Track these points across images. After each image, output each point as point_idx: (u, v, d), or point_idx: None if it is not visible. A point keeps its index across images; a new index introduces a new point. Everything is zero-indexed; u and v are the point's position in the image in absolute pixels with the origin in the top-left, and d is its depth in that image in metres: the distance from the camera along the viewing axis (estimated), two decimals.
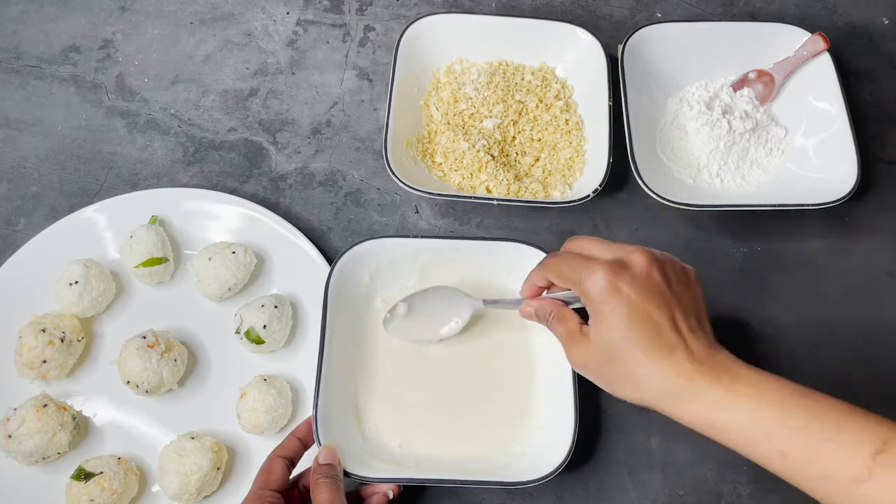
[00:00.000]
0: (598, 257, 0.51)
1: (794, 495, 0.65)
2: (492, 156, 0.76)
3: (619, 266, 0.49)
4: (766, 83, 0.79)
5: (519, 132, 0.79)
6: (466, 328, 0.66)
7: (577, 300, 0.55)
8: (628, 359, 0.48)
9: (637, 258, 0.50)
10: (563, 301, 0.56)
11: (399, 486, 0.60)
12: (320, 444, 0.58)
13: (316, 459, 0.57)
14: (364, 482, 0.59)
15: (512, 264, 0.67)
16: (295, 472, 0.59)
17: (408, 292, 0.67)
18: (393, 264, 0.68)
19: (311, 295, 0.69)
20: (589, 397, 0.67)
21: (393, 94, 0.75)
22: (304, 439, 0.60)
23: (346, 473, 0.57)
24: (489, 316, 0.68)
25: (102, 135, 0.80)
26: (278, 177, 0.78)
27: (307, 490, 0.58)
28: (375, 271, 0.68)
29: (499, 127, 0.78)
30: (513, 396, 0.65)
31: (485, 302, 0.64)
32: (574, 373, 0.62)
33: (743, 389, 0.46)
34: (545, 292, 0.58)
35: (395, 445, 0.63)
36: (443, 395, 0.65)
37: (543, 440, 0.62)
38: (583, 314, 0.53)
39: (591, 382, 0.62)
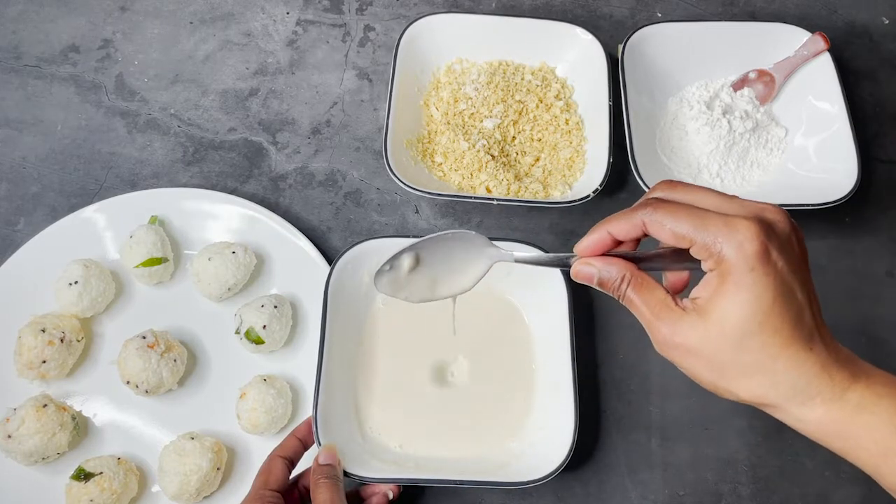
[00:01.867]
0: (726, 213, 0.39)
1: (794, 496, 0.66)
2: (492, 156, 0.76)
3: (767, 225, 0.39)
4: (766, 83, 0.79)
5: (519, 132, 0.79)
6: (468, 329, 0.66)
7: (644, 260, 0.43)
8: (766, 346, 0.38)
9: (780, 219, 0.39)
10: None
11: (399, 487, 0.60)
12: (320, 445, 0.58)
13: (316, 460, 0.57)
14: (364, 482, 0.59)
15: (511, 265, 0.67)
16: (295, 472, 0.59)
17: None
18: None
19: (311, 295, 0.69)
20: (589, 397, 0.67)
21: (393, 94, 0.75)
22: (305, 439, 0.60)
23: (345, 474, 0.57)
24: (489, 316, 0.68)
25: (102, 135, 0.80)
26: (278, 177, 0.78)
27: (307, 490, 0.58)
28: (375, 271, 0.67)
29: (499, 127, 0.78)
30: (513, 396, 0.65)
31: (516, 259, 0.47)
32: (574, 371, 0.61)
33: (882, 389, 0.39)
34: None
35: (395, 446, 0.63)
36: (443, 395, 0.65)
37: (544, 440, 0.62)
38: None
39: (591, 383, 0.62)
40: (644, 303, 0.41)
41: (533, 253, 0.48)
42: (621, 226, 0.42)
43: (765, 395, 0.39)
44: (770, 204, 0.40)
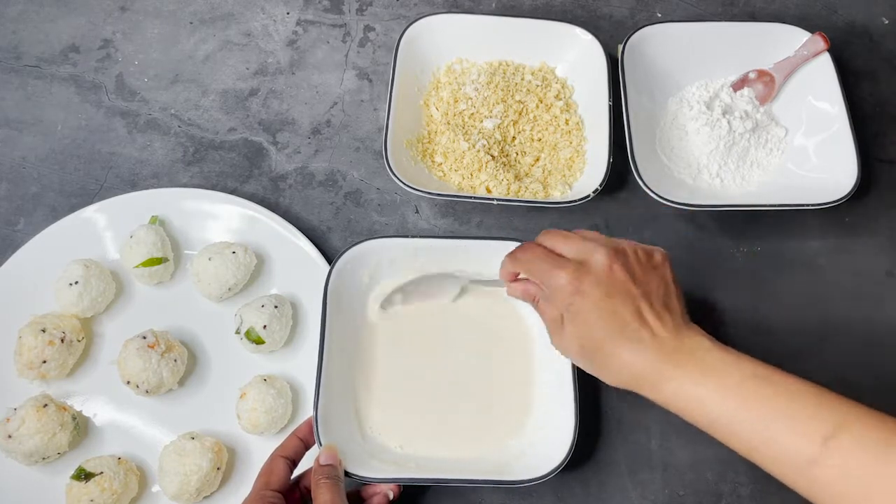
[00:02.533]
0: (564, 255, 0.54)
1: (795, 496, 0.66)
2: (492, 156, 0.76)
3: (581, 267, 0.53)
4: (766, 83, 0.79)
5: (519, 132, 0.79)
6: (467, 329, 0.66)
7: None
8: (602, 350, 0.52)
9: (598, 258, 0.53)
10: None
11: (399, 487, 0.60)
12: (321, 445, 0.58)
13: (317, 460, 0.57)
14: (364, 482, 0.59)
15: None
16: (296, 473, 0.59)
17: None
18: (392, 264, 0.68)
19: (311, 295, 0.69)
20: (589, 397, 0.67)
21: (393, 94, 0.75)
22: (306, 439, 0.60)
23: (346, 474, 0.57)
24: (489, 316, 0.68)
25: (102, 135, 0.80)
26: (278, 177, 0.78)
27: (308, 491, 0.58)
28: (375, 271, 0.68)
29: (499, 127, 0.78)
30: (513, 395, 0.65)
31: (471, 281, 0.67)
32: (574, 371, 0.62)
33: (707, 374, 0.49)
34: None
35: (396, 445, 0.63)
36: (443, 395, 0.65)
37: (544, 439, 0.62)
38: None
39: (591, 382, 0.62)
40: (546, 317, 0.56)
41: (485, 278, 0.67)
42: (510, 267, 0.59)
43: (619, 382, 0.52)
44: (599, 242, 0.54)
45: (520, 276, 0.60)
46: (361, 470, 0.58)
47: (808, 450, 0.44)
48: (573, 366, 0.62)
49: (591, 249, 0.53)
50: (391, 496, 0.59)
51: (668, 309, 0.52)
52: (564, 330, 0.54)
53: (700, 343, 0.51)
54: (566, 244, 0.55)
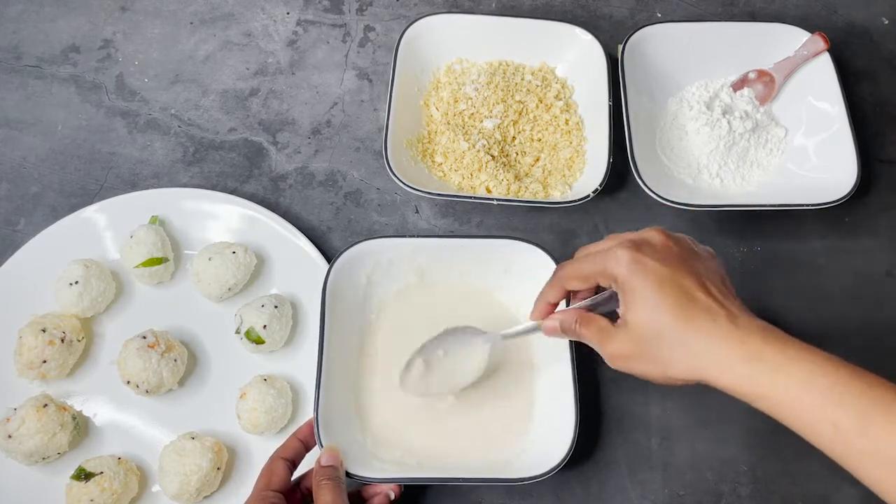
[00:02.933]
0: (610, 247, 0.51)
1: (794, 496, 0.66)
2: (492, 156, 0.76)
3: (637, 241, 0.49)
4: (766, 83, 0.79)
5: (519, 132, 0.79)
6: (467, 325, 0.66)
7: (596, 306, 0.55)
8: (672, 330, 0.46)
9: (653, 234, 0.50)
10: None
11: (400, 487, 0.60)
12: (322, 446, 0.58)
13: (318, 461, 0.57)
14: (366, 483, 0.59)
15: (509, 261, 0.67)
16: (296, 474, 0.59)
17: (406, 294, 0.67)
18: (391, 264, 0.68)
19: (311, 295, 0.69)
20: (589, 397, 0.67)
21: (393, 94, 0.75)
22: (306, 441, 0.60)
23: (347, 474, 0.57)
24: (490, 316, 0.68)
25: (102, 135, 0.80)
26: (278, 177, 0.78)
27: (309, 492, 0.58)
28: (373, 272, 0.68)
29: (499, 127, 0.78)
30: (514, 395, 0.65)
31: (503, 336, 0.60)
32: (574, 370, 0.61)
33: (796, 353, 0.44)
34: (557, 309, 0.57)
35: (397, 445, 0.63)
36: (444, 395, 0.65)
37: (545, 437, 0.62)
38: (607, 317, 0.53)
39: (591, 382, 0.62)
40: (591, 333, 0.52)
41: (517, 327, 0.60)
42: (553, 292, 0.55)
43: (692, 368, 0.46)
44: (651, 228, 0.51)
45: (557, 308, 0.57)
46: (363, 470, 0.58)
47: None
48: (574, 363, 0.62)
49: (639, 233, 0.51)
50: (392, 496, 0.59)
51: (730, 291, 0.49)
52: (623, 329, 0.49)
53: (767, 325, 0.47)
54: (609, 239, 0.52)
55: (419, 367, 0.62)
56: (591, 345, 0.52)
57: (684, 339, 0.46)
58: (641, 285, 0.47)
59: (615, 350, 0.50)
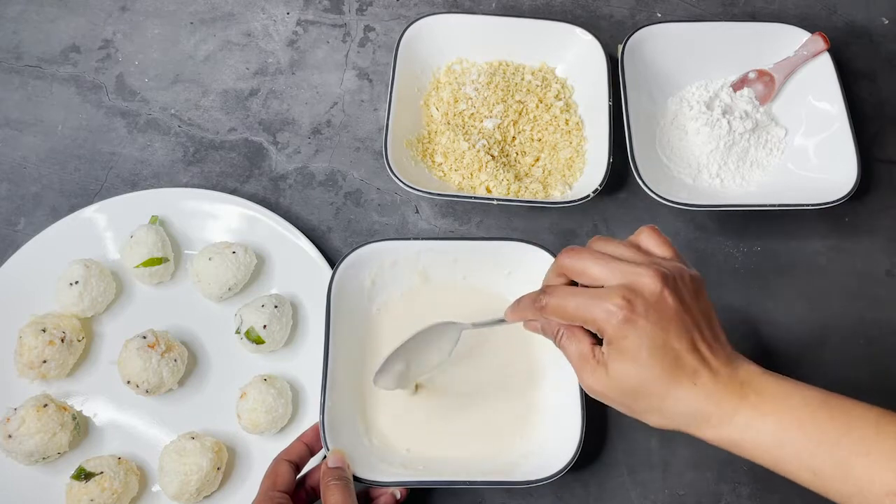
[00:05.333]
0: (604, 283, 0.47)
1: (794, 495, 0.66)
2: (492, 156, 0.76)
3: (631, 295, 0.46)
4: (766, 83, 0.79)
5: (519, 132, 0.79)
6: (473, 331, 0.66)
7: None
8: (653, 392, 0.46)
9: (647, 282, 0.46)
10: None
11: (406, 488, 0.60)
12: (328, 450, 0.58)
13: (325, 463, 0.57)
14: (373, 486, 0.58)
15: (514, 263, 0.67)
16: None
17: (410, 296, 0.67)
18: (394, 267, 0.68)
19: (312, 295, 0.69)
20: (589, 397, 0.67)
21: (393, 94, 0.75)
22: (311, 445, 0.59)
23: (354, 477, 0.57)
24: (493, 317, 0.68)
25: (102, 135, 0.80)
26: (278, 177, 0.78)
27: (314, 490, 0.58)
28: (377, 275, 0.67)
29: (499, 127, 0.78)
30: (519, 396, 0.65)
31: (473, 325, 0.59)
32: None
33: (769, 408, 0.45)
34: None
35: (403, 448, 0.62)
36: (449, 397, 0.65)
37: (551, 440, 0.62)
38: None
39: None
40: (571, 354, 0.50)
41: (486, 318, 0.58)
42: (531, 314, 0.52)
43: (665, 424, 0.48)
44: (645, 264, 0.47)
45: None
46: (369, 473, 0.58)
47: (890, 481, 0.42)
48: None
49: (636, 273, 0.46)
50: (398, 496, 0.59)
51: (716, 338, 0.48)
52: (604, 370, 0.47)
53: (753, 371, 0.47)
54: (603, 269, 0.48)
55: (398, 366, 0.60)
56: (567, 360, 0.51)
57: (663, 400, 0.46)
58: (632, 346, 0.46)
59: (591, 384, 0.49)
